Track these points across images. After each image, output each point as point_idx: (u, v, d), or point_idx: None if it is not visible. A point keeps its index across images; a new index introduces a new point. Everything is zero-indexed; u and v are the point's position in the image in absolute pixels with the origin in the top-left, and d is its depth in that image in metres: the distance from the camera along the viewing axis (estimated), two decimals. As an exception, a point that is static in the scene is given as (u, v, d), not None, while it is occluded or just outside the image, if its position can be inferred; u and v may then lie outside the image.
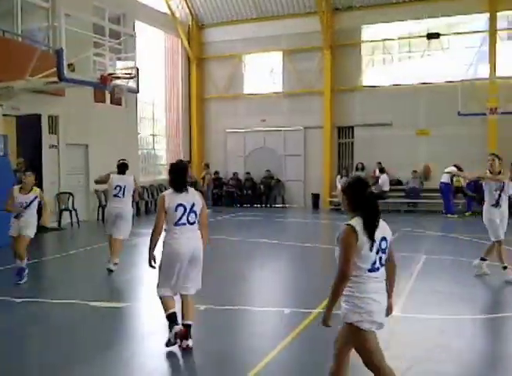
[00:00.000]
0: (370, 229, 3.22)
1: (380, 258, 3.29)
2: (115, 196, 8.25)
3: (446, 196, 16.30)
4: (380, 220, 3.31)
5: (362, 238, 3.19)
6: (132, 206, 8.75)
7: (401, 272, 8.10)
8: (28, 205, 7.49)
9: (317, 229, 15.08)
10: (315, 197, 19.20)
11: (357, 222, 3.23)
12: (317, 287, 7.57)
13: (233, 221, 15.99)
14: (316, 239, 11.98)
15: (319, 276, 8.30)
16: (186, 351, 4.74)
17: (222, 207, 19.22)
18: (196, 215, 4.93)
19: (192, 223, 4.91)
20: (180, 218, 4.84)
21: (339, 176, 18.65)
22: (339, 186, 18.37)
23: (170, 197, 4.86)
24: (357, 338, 3.25)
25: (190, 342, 4.78)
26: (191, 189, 4.99)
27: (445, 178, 16.06)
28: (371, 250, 3.21)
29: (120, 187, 8.24)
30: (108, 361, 4.76)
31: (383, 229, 3.32)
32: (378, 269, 3.29)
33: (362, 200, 3.28)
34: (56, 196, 14.28)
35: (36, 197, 7.58)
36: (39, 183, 13.44)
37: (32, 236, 7.64)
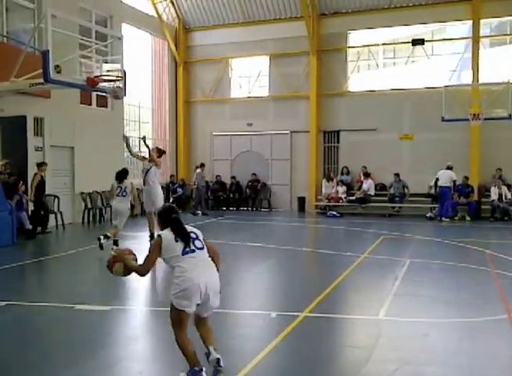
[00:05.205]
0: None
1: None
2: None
3: (446, 200, 16.06)
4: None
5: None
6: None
7: (386, 275, 8.25)
8: None
9: (302, 232, 15.14)
10: (301, 201, 19.30)
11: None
12: (303, 290, 7.64)
13: (220, 224, 16.01)
14: (301, 242, 12.03)
15: (304, 280, 8.36)
16: None
17: (209, 210, 19.24)
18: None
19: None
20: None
21: (324, 180, 18.79)
22: (324, 190, 18.54)
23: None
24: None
25: None
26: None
27: (447, 183, 16.02)
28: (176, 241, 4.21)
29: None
30: (93, 365, 4.75)
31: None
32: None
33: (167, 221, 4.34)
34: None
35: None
36: (25, 185, 13.42)
37: None
